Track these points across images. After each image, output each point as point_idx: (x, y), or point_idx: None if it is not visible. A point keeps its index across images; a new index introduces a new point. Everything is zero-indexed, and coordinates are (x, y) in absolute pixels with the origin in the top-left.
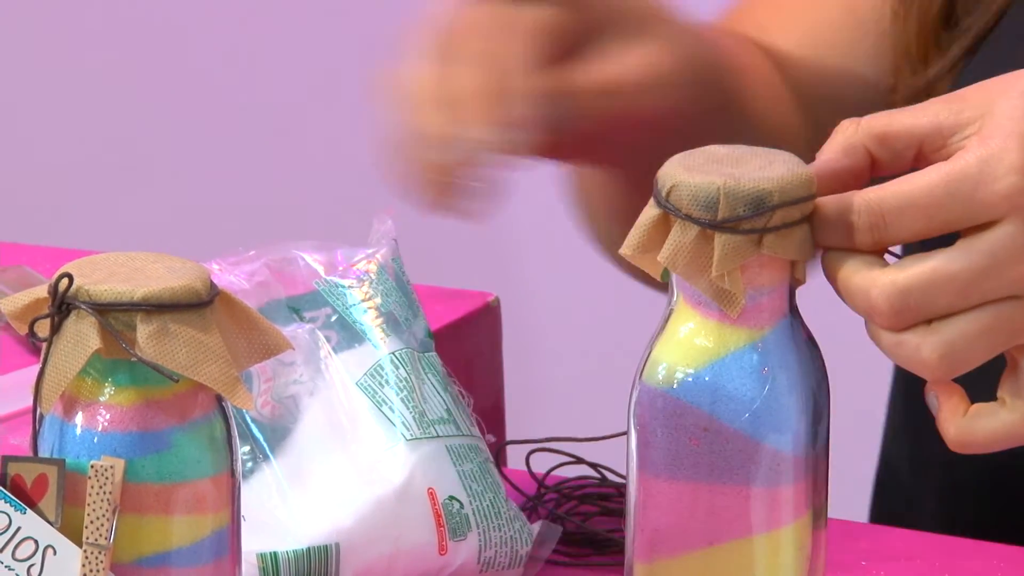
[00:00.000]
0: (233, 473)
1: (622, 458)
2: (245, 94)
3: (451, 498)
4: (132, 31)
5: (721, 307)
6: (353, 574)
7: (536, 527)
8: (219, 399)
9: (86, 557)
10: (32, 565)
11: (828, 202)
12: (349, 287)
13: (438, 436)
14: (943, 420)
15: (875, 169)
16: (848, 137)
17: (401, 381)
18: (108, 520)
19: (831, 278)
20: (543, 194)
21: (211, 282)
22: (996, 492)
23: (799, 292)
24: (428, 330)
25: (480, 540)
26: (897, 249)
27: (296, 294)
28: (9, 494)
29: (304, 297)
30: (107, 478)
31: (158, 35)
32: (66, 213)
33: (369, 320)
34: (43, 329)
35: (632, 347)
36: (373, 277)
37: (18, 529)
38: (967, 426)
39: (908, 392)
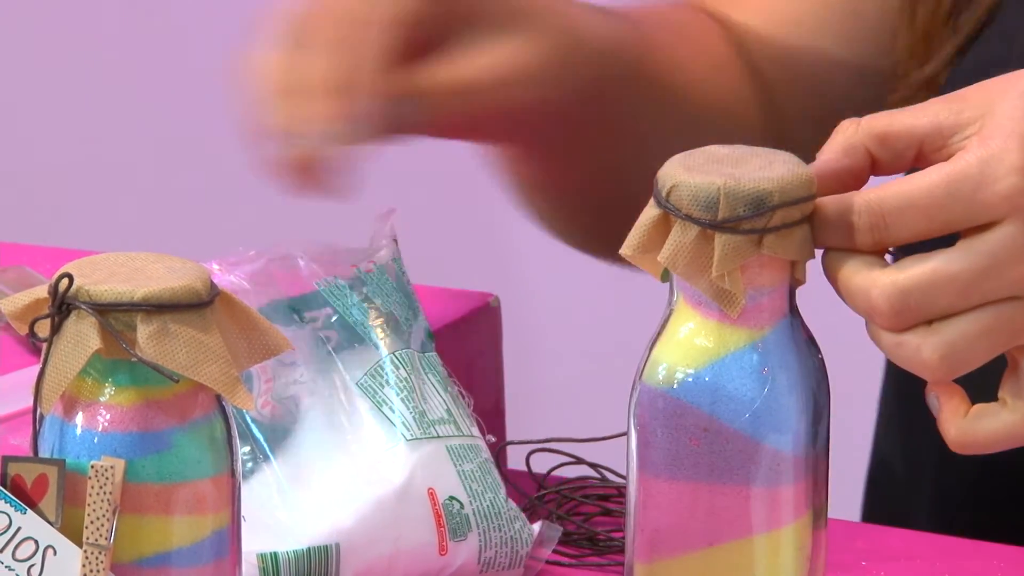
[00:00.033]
0: (233, 473)
1: (622, 458)
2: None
3: (451, 498)
4: (132, 31)
5: (721, 307)
6: (353, 574)
7: (536, 527)
8: (219, 399)
9: (86, 557)
10: (32, 565)
11: (828, 202)
12: (349, 287)
13: (438, 436)
14: (944, 421)
15: (875, 169)
16: (848, 137)
17: (401, 381)
18: (108, 520)
19: (831, 278)
20: None
21: (211, 282)
22: (990, 490)
23: (799, 292)
24: (428, 330)
25: (480, 540)
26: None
27: (296, 294)
28: (9, 494)
29: (304, 297)
30: (107, 478)
31: (158, 35)
32: (66, 213)
33: (369, 320)
34: (43, 329)
35: (632, 347)
36: (373, 277)
37: (18, 529)
38: (968, 427)
39: (900, 390)
